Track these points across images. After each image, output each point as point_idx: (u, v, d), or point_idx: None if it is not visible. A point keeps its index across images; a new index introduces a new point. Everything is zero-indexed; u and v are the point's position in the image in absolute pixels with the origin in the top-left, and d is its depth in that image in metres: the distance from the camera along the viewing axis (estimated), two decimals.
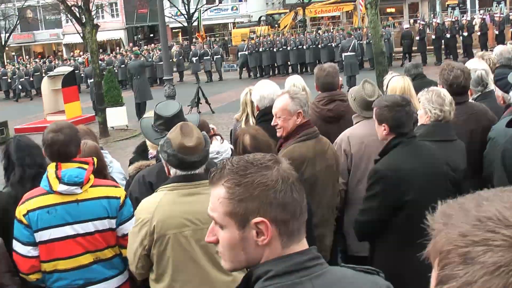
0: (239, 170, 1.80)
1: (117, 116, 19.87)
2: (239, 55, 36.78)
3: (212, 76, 36.34)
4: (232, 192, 1.80)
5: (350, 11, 48.69)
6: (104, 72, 21.35)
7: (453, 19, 34.46)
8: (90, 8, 18.96)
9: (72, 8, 19.80)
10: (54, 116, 20.58)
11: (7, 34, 47.81)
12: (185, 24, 46.18)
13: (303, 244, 1.84)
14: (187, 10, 45.88)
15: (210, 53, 36.68)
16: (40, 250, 3.99)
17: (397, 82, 5.79)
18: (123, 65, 34.16)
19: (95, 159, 4.12)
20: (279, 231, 1.79)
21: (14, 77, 38.61)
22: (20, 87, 37.56)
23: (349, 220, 4.87)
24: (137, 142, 14.97)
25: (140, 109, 21.92)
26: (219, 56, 37.45)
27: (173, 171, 3.66)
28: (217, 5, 52.71)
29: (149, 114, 4.97)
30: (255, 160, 1.82)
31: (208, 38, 47.03)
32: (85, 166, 3.98)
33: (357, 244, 4.82)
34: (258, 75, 33.84)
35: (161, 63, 34.33)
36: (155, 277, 3.69)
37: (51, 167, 3.96)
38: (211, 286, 3.60)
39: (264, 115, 5.33)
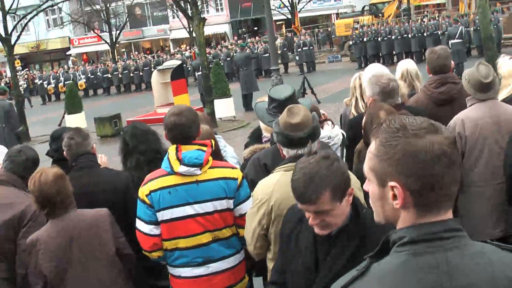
0: (390, 130, 1.81)
1: (225, 107, 20.25)
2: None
3: (316, 67, 36.39)
4: (377, 150, 1.83)
5: None
6: (211, 65, 21.78)
7: None
8: (197, 1, 19.37)
9: (180, 2, 20.28)
10: (164, 108, 21.15)
11: (118, 32, 49.39)
12: (289, 16, 46.20)
13: (446, 215, 1.82)
14: (290, 2, 45.88)
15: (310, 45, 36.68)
16: (162, 228, 4.15)
17: None
18: (229, 58, 34.69)
19: (213, 142, 4.25)
20: (413, 199, 1.79)
21: (125, 72, 40.02)
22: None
23: (463, 200, 4.82)
24: (245, 132, 15.29)
25: (246, 100, 22.25)
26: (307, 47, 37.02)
27: (285, 151, 3.76)
28: None
29: (263, 98, 5.08)
30: (410, 124, 1.81)
31: (309, 29, 46.97)
32: (204, 148, 4.10)
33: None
34: (362, 65, 33.53)
35: (266, 55, 34.76)
36: (272, 256, 3.78)
37: (171, 149, 4.11)
38: None
39: None
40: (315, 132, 3.77)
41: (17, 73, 37.78)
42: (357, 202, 3.04)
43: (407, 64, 6.46)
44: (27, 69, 47.26)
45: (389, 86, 4.85)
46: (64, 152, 4.90)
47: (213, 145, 4.21)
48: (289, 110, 3.73)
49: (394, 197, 1.82)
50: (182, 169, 4.05)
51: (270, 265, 3.84)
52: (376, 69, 5.63)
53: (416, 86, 6.19)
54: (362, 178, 3.93)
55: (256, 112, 4.87)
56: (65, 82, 38.12)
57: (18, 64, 38.29)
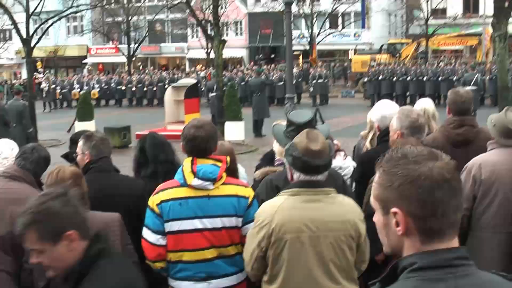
0: (392, 159, 1.88)
1: (235, 131, 20.28)
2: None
3: (329, 100, 36.56)
4: (381, 178, 1.89)
5: (474, 46, 47.56)
6: (225, 88, 21.89)
7: None
8: (219, 23, 19.53)
9: (202, 22, 20.46)
10: (174, 126, 21.21)
11: (136, 45, 49.72)
12: (307, 48, 46.47)
13: (451, 243, 1.85)
14: (310, 33, 46.18)
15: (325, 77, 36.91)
16: (168, 239, 4.15)
17: None
18: (243, 83, 34.82)
19: (229, 158, 4.27)
20: (416, 226, 1.83)
21: (139, 85, 40.20)
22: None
23: (472, 244, 4.79)
24: (252, 157, 15.31)
25: (257, 126, 22.29)
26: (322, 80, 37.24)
27: (296, 175, 3.77)
28: (340, 31, 52.80)
29: (280, 121, 5.11)
30: (410, 153, 1.87)
31: (325, 62, 47.24)
32: (219, 164, 4.12)
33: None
34: (375, 103, 33.47)
35: (280, 83, 34.92)
36: (268, 279, 3.80)
37: (187, 161, 4.13)
38: None
39: (386, 135, 5.33)
40: (330, 162, 3.82)
41: (40, 75, 38.13)
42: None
43: (425, 103, 6.48)
44: (48, 71, 47.44)
45: (418, 122, 4.86)
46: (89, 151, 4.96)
47: (228, 162, 4.22)
48: (308, 135, 3.74)
49: (397, 224, 1.86)
50: (195, 182, 4.06)
51: (265, 287, 3.85)
52: (388, 105, 5.66)
53: (432, 126, 6.20)
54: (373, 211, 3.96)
55: (273, 134, 4.89)
56: (81, 90, 38.22)
57: (40, 66, 38.50)
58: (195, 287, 4.19)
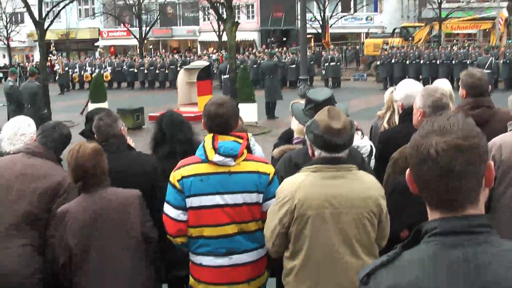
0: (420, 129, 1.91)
1: (248, 112, 20.25)
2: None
3: (341, 83, 36.49)
4: None
5: (487, 30, 47.18)
6: (237, 70, 21.88)
7: None
8: (231, 5, 19.48)
9: (214, 4, 20.42)
10: (187, 108, 21.26)
11: (147, 28, 49.67)
12: (319, 31, 46.28)
13: (473, 212, 1.86)
14: (322, 17, 45.98)
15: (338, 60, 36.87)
16: (189, 215, 4.16)
17: None
18: (255, 65, 34.79)
19: (249, 135, 4.29)
20: (423, 194, 1.90)
21: (151, 68, 40.26)
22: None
23: (494, 225, 4.79)
24: (265, 139, 15.34)
25: (269, 108, 22.29)
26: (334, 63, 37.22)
27: (317, 152, 3.77)
28: (352, 14, 52.54)
29: (299, 100, 5.12)
30: (429, 123, 1.89)
31: (338, 46, 47.02)
32: (240, 141, 4.12)
33: None
34: (388, 86, 33.41)
35: (292, 66, 34.87)
36: (290, 255, 3.81)
37: (208, 138, 4.13)
38: (342, 268, 3.70)
39: (408, 114, 5.32)
40: (352, 139, 3.81)
41: (54, 57, 38.19)
42: None
43: (443, 84, 6.46)
44: (59, 54, 47.56)
45: (442, 101, 4.82)
46: (95, 134, 4.97)
47: (249, 139, 4.24)
48: (329, 113, 3.73)
49: None
50: (216, 158, 4.07)
51: (287, 264, 3.88)
52: (413, 84, 5.65)
53: (449, 107, 6.18)
54: (394, 187, 3.97)
55: (292, 112, 4.90)
56: (92, 73, 38.29)
57: (53, 48, 38.55)
58: (215, 262, 4.22)
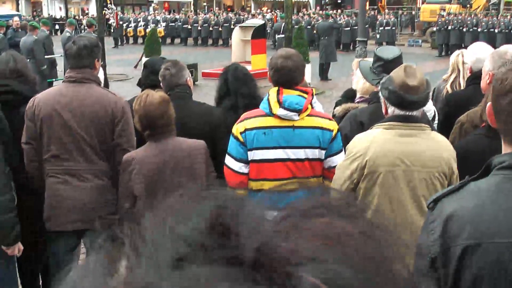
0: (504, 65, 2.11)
1: None
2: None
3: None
4: None
5: None
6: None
7: None
8: None
9: None
10: None
11: None
12: None
13: None
14: None
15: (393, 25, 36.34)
16: (250, 168, 4.17)
17: None
18: (309, 26, 34.44)
19: (314, 90, 4.24)
20: (498, 126, 1.99)
21: (204, 25, 40.23)
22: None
23: None
24: (320, 100, 15.18)
25: (323, 70, 22.11)
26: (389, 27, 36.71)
27: (391, 110, 3.69)
28: None
29: (366, 59, 5.04)
30: None
31: (393, 10, 46.18)
32: (305, 95, 4.09)
33: None
34: (443, 53, 32.79)
35: (347, 28, 34.42)
36: None
37: (273, 91, 4.10)
38: (410, 227, 3.63)
39: (477, 78, 5.21)
40: (427, 98, 3.72)
41: (109, 11, 38.43)
42: None
43: (508, 48, 6.28)
44: (114, 8, 47.85)
45: None
46: (161, 83, 4.94)
47: (313, 94, 4.20)
48: (405, 70, 3.65)
49: None
50: (281, 112, 4.05)
51: None
52: (483, 48, 5.51)
53: None
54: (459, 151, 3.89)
55: (360, 70, 4.82)
56: (146, 28, 38.40)
57: (109, 1, 38.72)
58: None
